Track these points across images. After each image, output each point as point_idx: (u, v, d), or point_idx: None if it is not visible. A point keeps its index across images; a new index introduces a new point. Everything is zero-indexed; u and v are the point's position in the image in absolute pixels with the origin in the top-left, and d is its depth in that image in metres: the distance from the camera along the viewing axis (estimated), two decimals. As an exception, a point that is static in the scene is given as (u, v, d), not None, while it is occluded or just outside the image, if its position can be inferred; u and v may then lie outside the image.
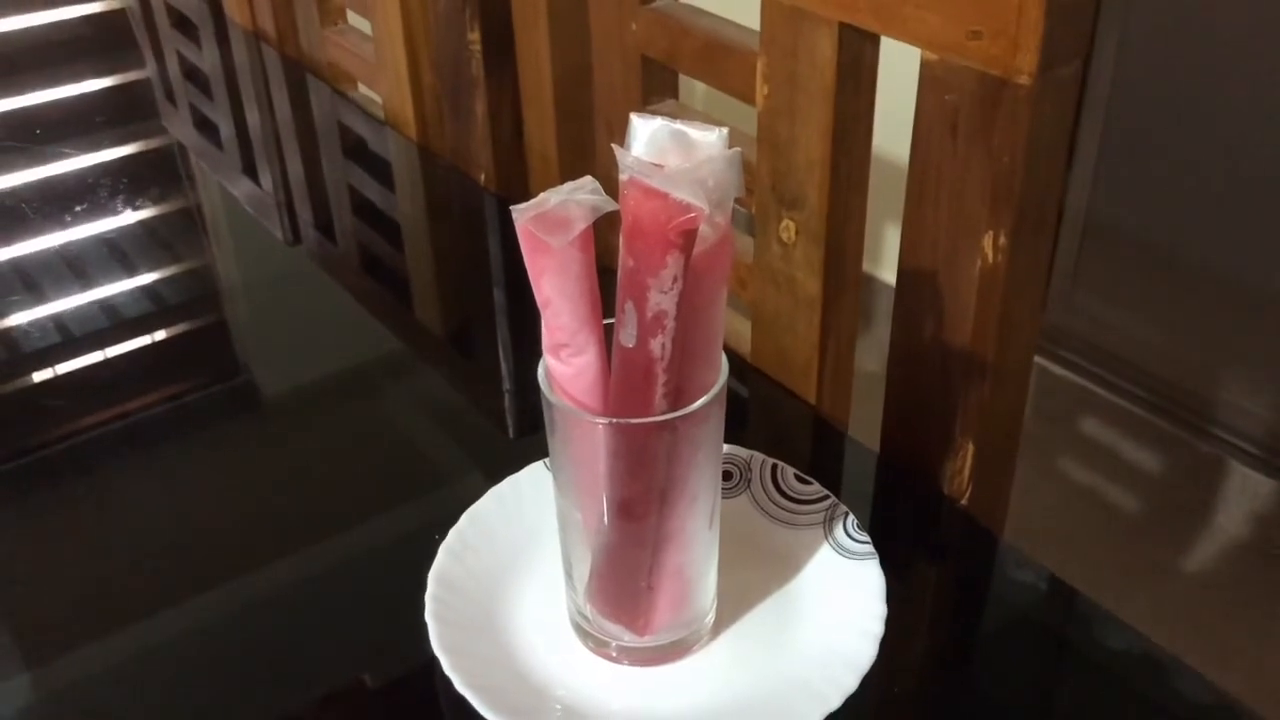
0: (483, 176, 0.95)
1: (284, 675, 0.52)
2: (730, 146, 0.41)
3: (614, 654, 0.49)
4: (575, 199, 0.39)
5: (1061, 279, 1.79)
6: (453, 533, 0.54)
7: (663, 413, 0.42)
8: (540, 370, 0.44)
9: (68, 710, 0.51)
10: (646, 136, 0.41)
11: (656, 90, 0.74)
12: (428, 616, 0.49)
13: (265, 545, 0.59)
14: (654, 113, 0.74)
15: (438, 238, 0.93)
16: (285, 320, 0.83)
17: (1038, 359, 1.77)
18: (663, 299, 0.40)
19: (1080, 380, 1.77)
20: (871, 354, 0.74)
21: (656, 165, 0.40)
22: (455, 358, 0.78)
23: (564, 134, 0.84)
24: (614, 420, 0.42)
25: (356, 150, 1.03)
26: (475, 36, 0.88)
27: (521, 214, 0.39)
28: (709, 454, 0.45)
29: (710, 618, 0.50)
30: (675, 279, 0.40)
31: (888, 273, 1.70)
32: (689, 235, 0.40)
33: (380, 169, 1.01)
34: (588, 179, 0.40)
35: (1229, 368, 1.65)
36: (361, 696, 0.50)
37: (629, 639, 0.48)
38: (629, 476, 0.43)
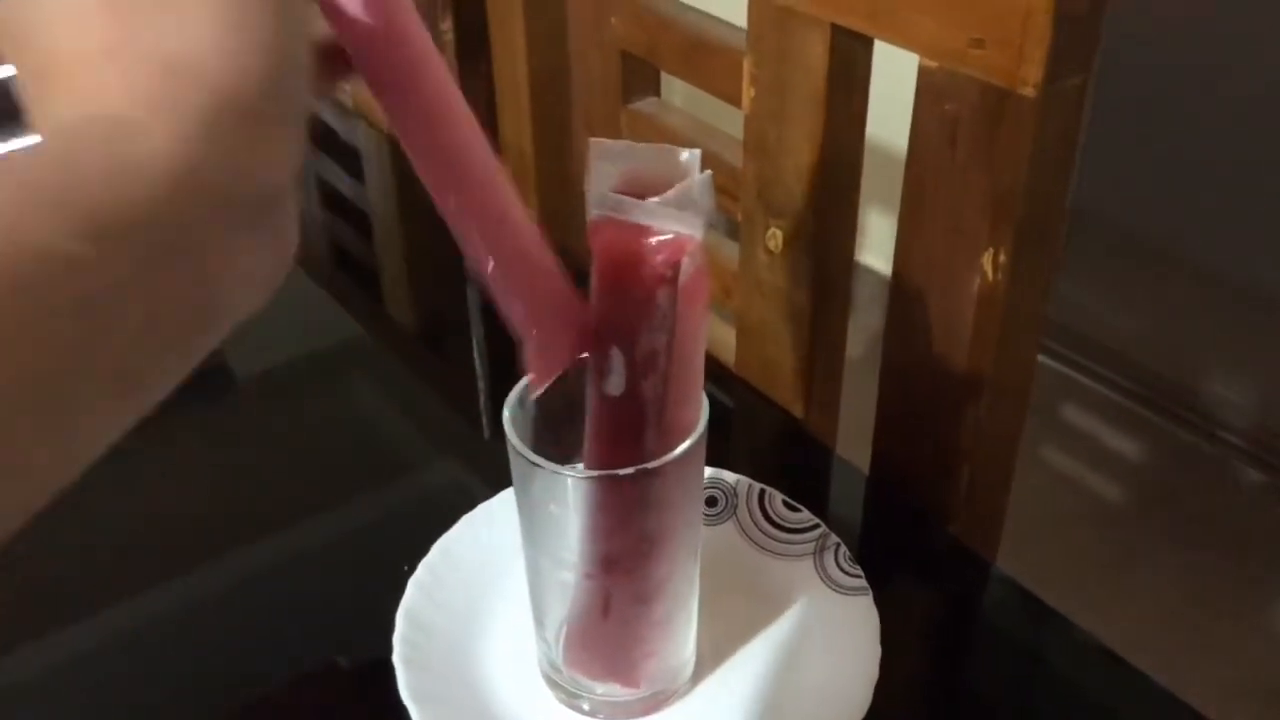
0: (456, 170, 0.91)
1: (251, 709, 0.49)
2: (707, 161, 0.38)
3: (586, 708, 0.46)
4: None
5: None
6: (423, 566, 0.51)
7: (653, 458, 0.39)
8: (508, 412, 0.40)
9: (29, 696, 0.49)
10: (610, 168, 0.38)
11: (638, 88, 0.70)
12: (396, 660, 0.46)
13: (231, 542, 0.57)
14: (635, 111, 0.71)
15: (410, 232, 0.90)
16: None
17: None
18: (654, 337, 0.37)
19: (1062, 369, 1.76)
20: (858, 341, 0.70)
21: (634, 200, 0.36)
22: (428, 357, 0.75)
23: (541, 131, 0.80)
24: (600, 473, 0.38)
25: (326, 139, 0.99)
26: (448, 25, 0.84)
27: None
28: (692, 493, 0.42)
29: (691, 664, 0.47)
30: (666, 313, 0.37)
31: (874, 259, 1.67)
32: (677, 265, 0.37)
33: (350, 160, 0.97)
34: None
35: (1212, 358, 1.64)
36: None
37: (602, 691, 0.45)
38: (619, 530, 0.40)
